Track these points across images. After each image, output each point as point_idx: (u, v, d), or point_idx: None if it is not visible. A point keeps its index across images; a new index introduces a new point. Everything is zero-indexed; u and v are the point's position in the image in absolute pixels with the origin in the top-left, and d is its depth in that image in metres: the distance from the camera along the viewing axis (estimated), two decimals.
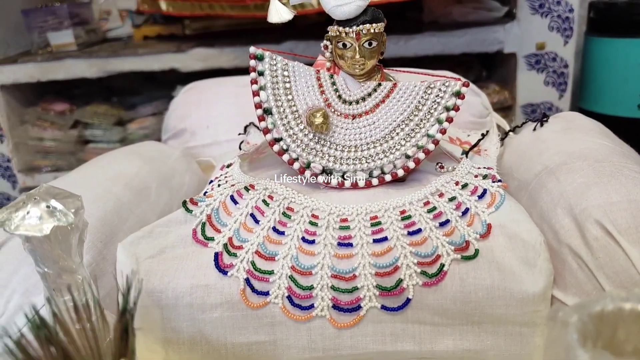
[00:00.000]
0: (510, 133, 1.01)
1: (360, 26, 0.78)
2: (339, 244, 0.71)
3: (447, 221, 0.74)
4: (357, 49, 0.79)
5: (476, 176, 0.83)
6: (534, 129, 0.94)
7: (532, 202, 0.81)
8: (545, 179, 0.82)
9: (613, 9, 1.54)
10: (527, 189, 0.84)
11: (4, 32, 1.70)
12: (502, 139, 1.00)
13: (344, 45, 0.80)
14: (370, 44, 0.80)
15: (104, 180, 0.84)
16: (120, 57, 1.60)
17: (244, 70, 1.70)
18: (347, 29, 0.79)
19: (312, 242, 0.72)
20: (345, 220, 0.74)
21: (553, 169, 0.82)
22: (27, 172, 1.69)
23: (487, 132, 0.98)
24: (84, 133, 1.71)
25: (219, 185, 0.84)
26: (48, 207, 0.56)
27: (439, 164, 0.85)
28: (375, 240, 0.71)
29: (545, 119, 0.95)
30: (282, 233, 0.73)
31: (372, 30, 0.79)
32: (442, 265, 0.70)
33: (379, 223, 0.73)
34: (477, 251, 0.71)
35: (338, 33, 0.80)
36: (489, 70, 1.77)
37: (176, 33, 1.75)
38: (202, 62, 1.59)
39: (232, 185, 0.82)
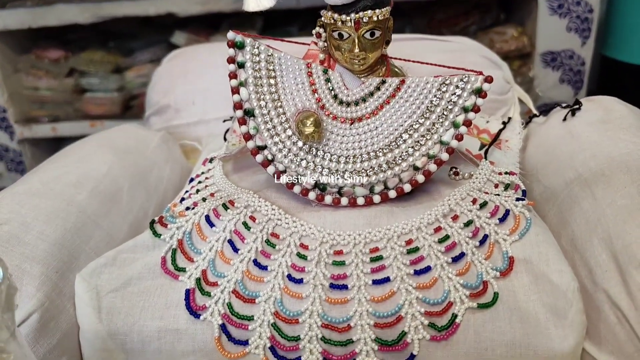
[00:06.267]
0: (535, 118, 0.82)
1: (360, 13, 0.58)
2: (332, 286, 0.56)
3: (462, 255, 0.57)
4: (356, 40, 0.59)
5: (496, 185, 0.65)
6: (564, 119, 0.75)
7: (562, 221, 0.64)
8: (578, 192, 0.64)
9: None
10: (555, 201, 0.67)
11: None
12: (526, 125, 0.81)
13: (340, 35, 0.60)
14: (372, 34, 0.60)
15: (66, 186, 0.68)
16: (113, 1, 1.40)
17: (246, 16, 1.51)
18: (343, 16, 0.58)
19: (300, 281, 0.56)
20: (340, 252, 0.58)
21: (588, 179, 0.64)
22: (24, 123, 1.52)
23: (509, 119, 0.79)
24: (81, 82, 1.51)
25: (197, 192, 0.68)
26: None
27: (453, 170, 0.67)
28: (375, 282, 0.56)
29: (577, 106, 0.75)
30: (265, 268, 0.57)
31: (374, 18, 0.59)
32: (455, 316, 0.54)
33: (380, 257, 0.57)
34: (496, 296, 0.55)
35: (333, 21, 0.60)
36: (507, 13, 1.53)
37: None
38: (200, 5, 1.40)
39: (211, 194, 0.66)
